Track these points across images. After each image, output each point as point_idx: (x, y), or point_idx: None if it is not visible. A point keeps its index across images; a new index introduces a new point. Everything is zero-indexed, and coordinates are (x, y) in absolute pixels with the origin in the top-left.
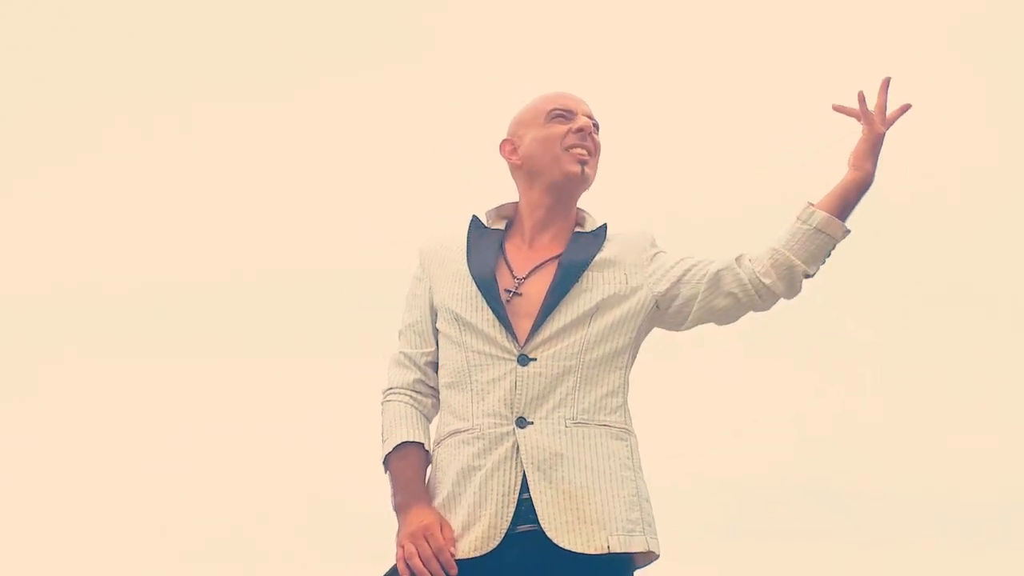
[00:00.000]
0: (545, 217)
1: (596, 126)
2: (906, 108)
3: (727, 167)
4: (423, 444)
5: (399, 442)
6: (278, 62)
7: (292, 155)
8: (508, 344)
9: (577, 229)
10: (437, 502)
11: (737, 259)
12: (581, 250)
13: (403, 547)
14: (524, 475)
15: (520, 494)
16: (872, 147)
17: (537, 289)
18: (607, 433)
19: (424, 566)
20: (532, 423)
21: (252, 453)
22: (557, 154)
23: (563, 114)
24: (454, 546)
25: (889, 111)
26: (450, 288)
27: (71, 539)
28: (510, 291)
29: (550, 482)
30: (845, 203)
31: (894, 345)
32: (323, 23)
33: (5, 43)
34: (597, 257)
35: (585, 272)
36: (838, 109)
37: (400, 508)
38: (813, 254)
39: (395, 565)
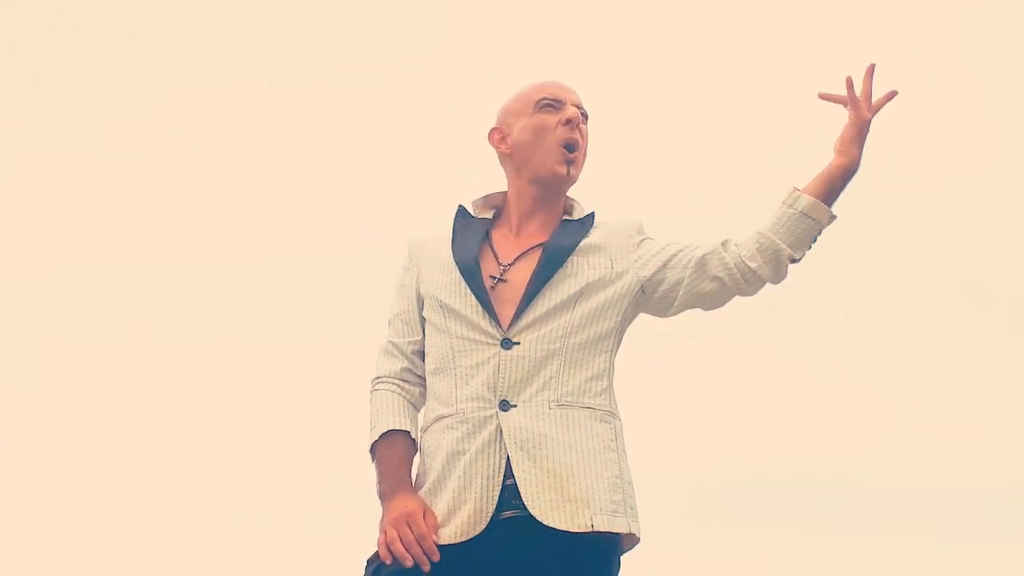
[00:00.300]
0: (532, 206)
1: (585, 116)
2: (892, 95)
3: (730, 166)
4: (410, 432)
5: (385, 430)
6: (290, 49)
7: (304, 142)
8: (491, 329)
9: (565, 217)
10: (424, 488)
11: (723, 243)
12: (567, 236)
13: (385, 532)
14: (508, 459)
15: (504, 479)
16: (858, 133)
17: (521, 275)
18: (591, 415)
19: (406, 551)
20: (515, 406)
21: (253, 441)
22: (546, 147)
23: (552, 104)
24: (436, 533)
25: (875, 98)
26: (435, 276)
27: (70, 526)
28: (495, 277)
29: (534, 461)
30: (831, 188)
31: (886, 337)
32: (335, 10)
33: (5, 43)
34: (583, 243)
35: (570, 257)
36: (824, 97)
37: (384, 495)
38: (799, 238)
39: (376, 552)
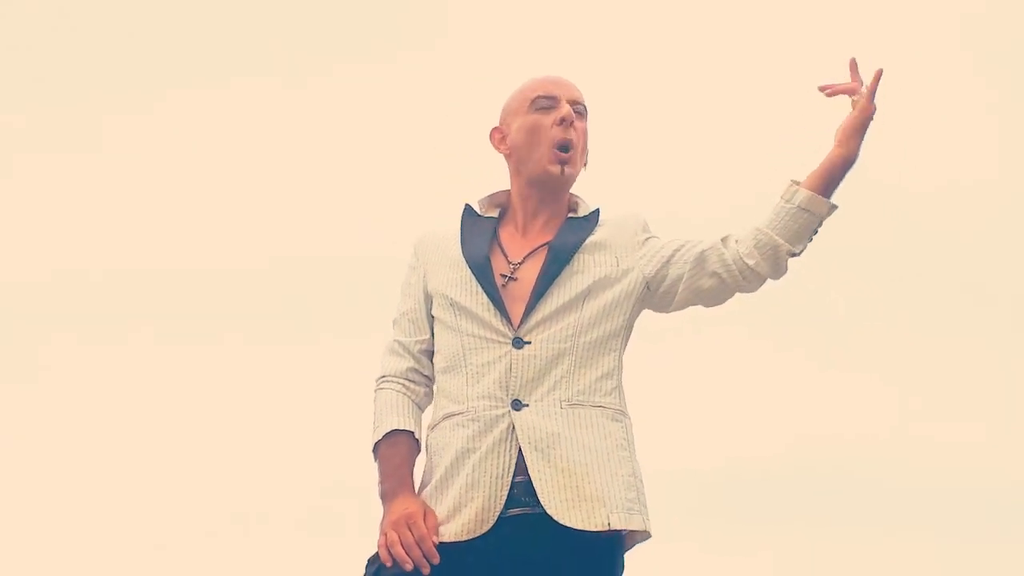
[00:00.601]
0: (536, 206)
1: (583, 111)
2: (879, 74)
3: (730, 166)
4: (413, 432)
5: (388, 430)
6: (290, 49)
7: (304, 142)
8: (503, 327)
9: (571, 215)
10: (431, 485)
11: (723, 239)
12: (572, 234)
13: (385, 535)
14: (519, 458)
15: (514, 477)
16: (862, 124)
17: (531, 274)
18: (602, 414)
19: (406, 554)
20: (527, 405)
21: (253, 441)
22: (540, 149)
23: (547, 103)
24: (436, 534)
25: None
26: (445, 274)
27: (70, 526)
28: (505, 276)
29: (548, 461)
30: (830, 179)
31: (886, 332)
32: (335, 10)
33: (5, 43)
34: (588, 240)
35: (576, 255)
36: (828, 89)
37: (386, 496)
38: (797, 233)
39: (376, 552)
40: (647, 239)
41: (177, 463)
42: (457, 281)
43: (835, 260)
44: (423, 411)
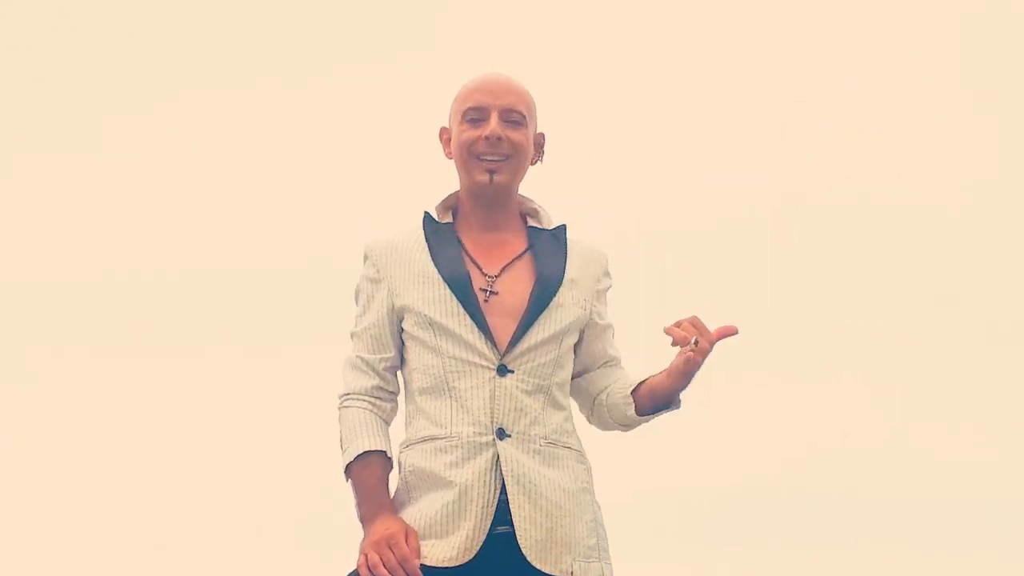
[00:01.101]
0: (486, 213)
1: (519, 119)
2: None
3: (720, 179)
4: (385, 452)
5: (361, 451)
6: (290, 49)
7: (304, 142)
8: (488, 351)
9: (531, 223)
10: (411, 507)
11: (599, 392)
12: (551, 259)
13: (366, 555)
14: (503, 486)
15: (499, 504)
16: (687, 372)
17: (513, 291)
18: (571, 455)
19: (389, 575)
20: (510, 436)
21: (254, 441)
22: (470, 162)
23: (476, 115)
24: (419, 556)
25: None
26: (418, 291)
27: (70, 526)
28: (486, 290)
29: (528, 497)
30: (659, 403)
31: (885, 338)
32: (335, 10)
33: (5, 43)
34: (567, 276)
35: (560, 288)
36: (671, 335)
37: (365, 518)
38: (632, 426)
39: (355, 570)
40: (605, 291)
41: (177, 464)
42: (434, 299)
43: (834, 261)
44: (390, 426)
